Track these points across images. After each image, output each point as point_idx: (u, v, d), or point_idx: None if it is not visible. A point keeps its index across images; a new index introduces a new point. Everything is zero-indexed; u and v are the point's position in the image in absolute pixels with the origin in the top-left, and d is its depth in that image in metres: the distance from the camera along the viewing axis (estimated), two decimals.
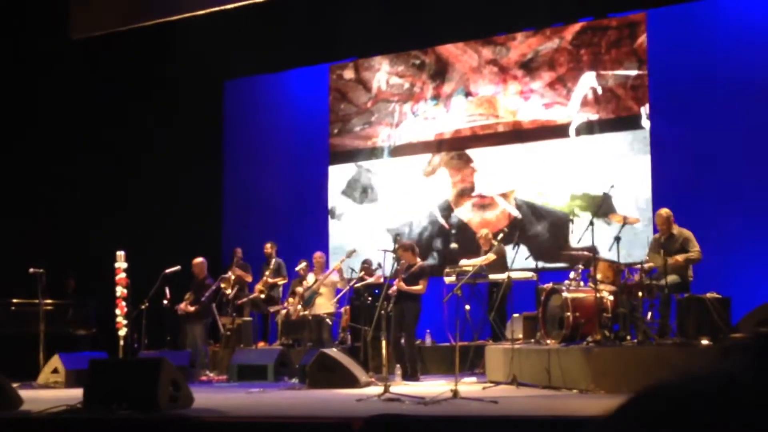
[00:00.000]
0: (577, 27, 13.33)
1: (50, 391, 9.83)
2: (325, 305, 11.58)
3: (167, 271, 11.77)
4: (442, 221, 14.08)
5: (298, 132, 15.43)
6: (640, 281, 8.81)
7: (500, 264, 11.09)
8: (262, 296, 12.93)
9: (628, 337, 8.70)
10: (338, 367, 9.39)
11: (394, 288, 10.02)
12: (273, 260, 13.08)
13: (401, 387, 8.90)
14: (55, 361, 10.81)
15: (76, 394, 7.34)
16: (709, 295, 8.79)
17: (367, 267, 12.25)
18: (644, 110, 12.69)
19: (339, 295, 12.00)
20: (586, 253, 9.53)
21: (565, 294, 8.99)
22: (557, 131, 13.27)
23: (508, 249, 11.10)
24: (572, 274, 9.61)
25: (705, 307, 8.58)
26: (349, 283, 11.98)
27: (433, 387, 8.85)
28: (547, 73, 13.46)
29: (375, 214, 14.54)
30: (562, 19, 13.38)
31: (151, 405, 6.75)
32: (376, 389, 8.39)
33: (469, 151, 14.00)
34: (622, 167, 12.51)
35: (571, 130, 13.16)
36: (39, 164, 13.69)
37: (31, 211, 13.60)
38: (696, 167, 12.11)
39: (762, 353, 0.76)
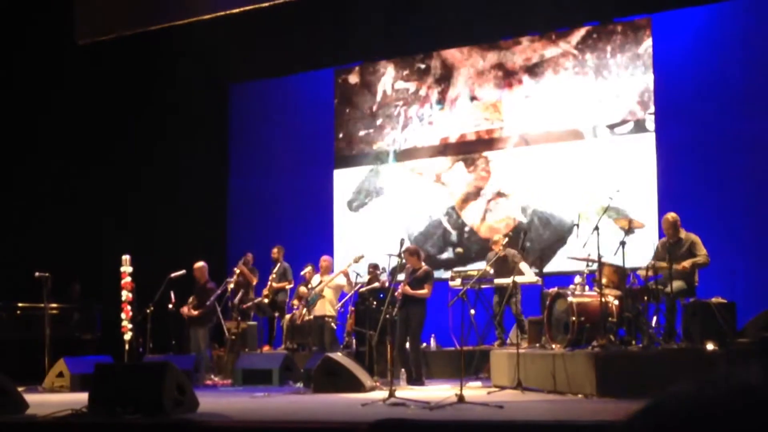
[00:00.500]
0: (582, 31, 13.33)
1: (55, 395, 9.83)
2: (327, 308, 11.57)
3: (172, 275, 11.78)
4: (447, 226, 14.07)
5: (304, 136, 15.44)
6: (645, 286, 8.79)
7: (512, 269, 11.00)
8: (266, 300, 12.93)
9: (634, 342, 8.68)
10: (343, 372, 9.38)
11: (399, 292, 10.02)
12: (279, 264, 13.09)
13: (406, 391, 8.88)
14: (61, 365, 10.82)
15: (82, 398, 7.34)
16: (714, 299, 8.76)
17: (373, 271, 12.25)
18: (650, 115, 12.68)
19: (344, 300, 12.00)
20: (591, 257, 9.51)
21: (570, 298, 8.97)
22: (562, 136, 13.26)
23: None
24: (577, 279, 9.59)
25: (710, 311, 8.56)
26: (355, 288, 11.99)
27: (438, 391, 8.82)
28: (552, 77, 13.46)
29: (380, 218, 14.53)
30: (568, 24, 13.39)
31: (156, 409, 6.74)
32: (381, 394, 8.37)
33: (475, 156, 14.00)
34: (627, 171, 12.50)
35: (577, 135, 13.15)
36: (44, 168, 13.71)
37: (36, 215, 13.61)
38: (702, 171, 12.09)
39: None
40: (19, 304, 12.41)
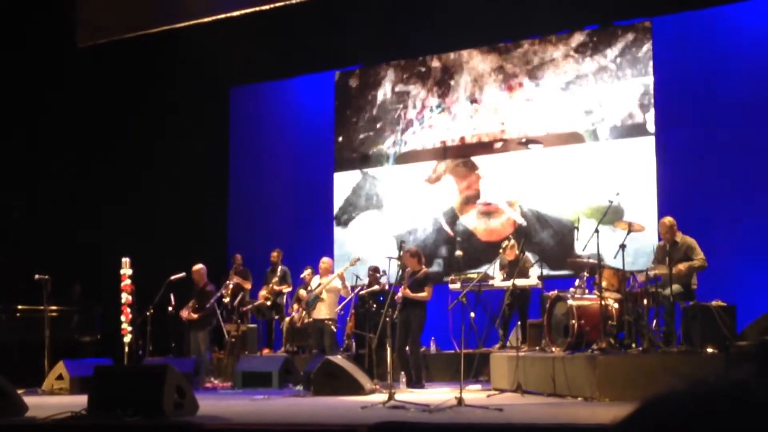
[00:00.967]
0: (583, 34, 13.34)
1: (55, 398, 9.83)
2: (326, 311, 11.56)
3: (172, 278, 11.77)
4: (447, 228, 14.07)
5: (304, 139, 15.45)
6: (644, 289, 8.79)
7: (521, 272, 10.94)
8: (268, 303, 12.94)
9: (634, 345, 8.68)
10: (343, 374, 9.38)
11: (399, 295, 10.02)
12: (279, 268, 13.09)
13: (406, 394, 8.88)
14: (60, 368, 10.81)
15: (81, 400, 7.33)
16: (714, 303, 8.76)
17: (372, 274, 12.26)
18: (650, 117, 12.68)
19: (343, 303, 11.99)
20: (591, 260, 9.50)
21: (570, 301, 8.97)
22: (563, 139, 13.26)
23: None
24: (577, 282, 9.58)
25: (710, 314, 8.55)
26: (352, 291, 11.98)
27: (437, 394, 8.83)
28: (552, 80, 13.47)
29: (380, 221, 14.54)
30: (568, 27, 13.39)
31: (155, 412, 6.74)
32: (380, 396, 8.37)
33: (475, 158, 14.00)
34: (627, 174, 12.50)
35: (577, 138, 13.15)
36: (44, 170, 13.71)
37: (36, 217, 13.61)
38: (701, 174, 12.09)
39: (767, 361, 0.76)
40: (19, 306, 12.40)
